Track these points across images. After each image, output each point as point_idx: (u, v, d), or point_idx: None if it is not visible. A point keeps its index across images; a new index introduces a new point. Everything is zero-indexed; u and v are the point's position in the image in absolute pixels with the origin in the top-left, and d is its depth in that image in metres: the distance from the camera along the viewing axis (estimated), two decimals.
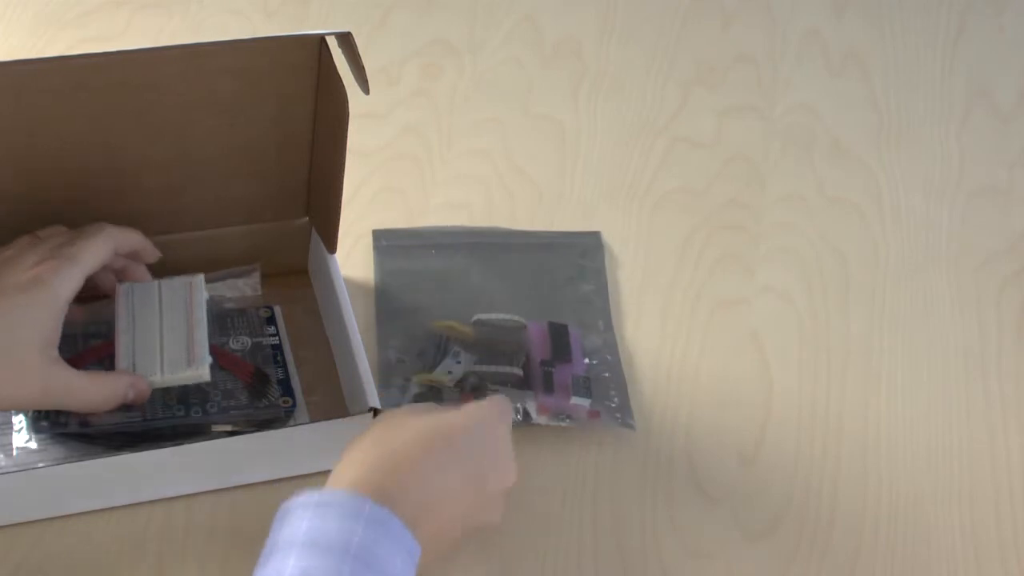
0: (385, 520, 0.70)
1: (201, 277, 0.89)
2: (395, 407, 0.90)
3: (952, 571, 0.87)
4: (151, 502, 0.85)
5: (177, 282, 0.89)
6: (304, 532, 0.69)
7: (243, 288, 0.94)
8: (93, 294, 0.88)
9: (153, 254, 0.89)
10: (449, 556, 0.79)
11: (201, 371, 0.86)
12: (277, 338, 0.93)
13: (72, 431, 0.86)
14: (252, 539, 0.84)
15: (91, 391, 0.82)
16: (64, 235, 0.85)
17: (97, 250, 0.84)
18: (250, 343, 0.92)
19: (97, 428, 0.86)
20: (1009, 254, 1.08)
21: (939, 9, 1.31)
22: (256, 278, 0.95)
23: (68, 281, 0.81)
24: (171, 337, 0.87)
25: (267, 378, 0.89)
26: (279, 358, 0.91)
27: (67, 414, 0.86)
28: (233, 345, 0.91)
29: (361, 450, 0.75)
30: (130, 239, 0.87)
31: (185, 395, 0.88)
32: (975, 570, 0.87)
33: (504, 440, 0.79)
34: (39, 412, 0.86)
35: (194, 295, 0.89)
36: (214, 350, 0.88)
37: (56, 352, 0.81)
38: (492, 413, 0.80)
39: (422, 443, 0.75)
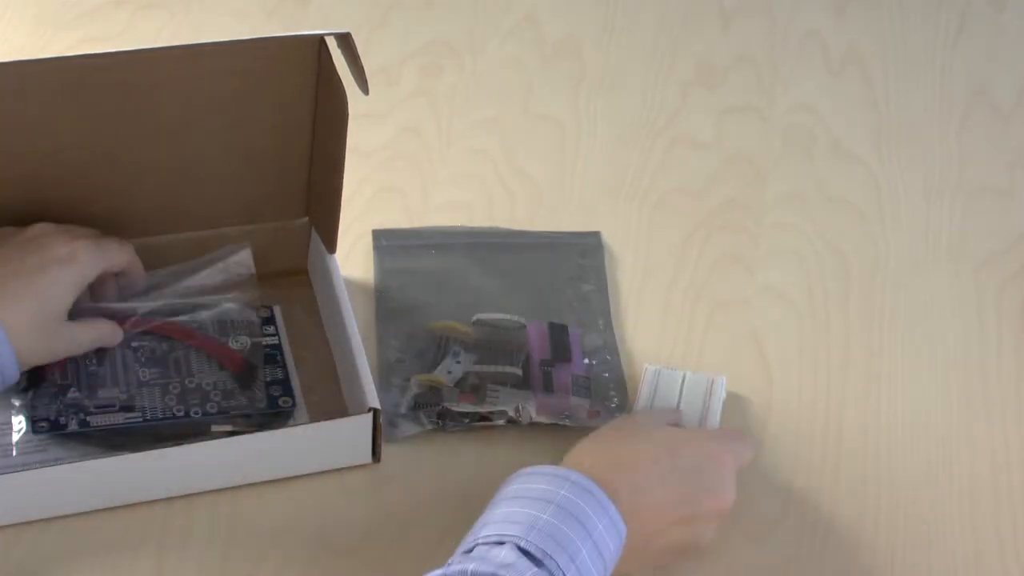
0: (592, 489, 0.76)
1: (723, 378, 0.93)
2: (393, 407, 0.90)
3: (952, 571, 0.86)
4: (151, 502, 0.85)
5: (701, 376, 0.93)
6: (513, 491, 0.76)
7: (236, 269, 0.94)
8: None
9: (140, 273, 0.92)
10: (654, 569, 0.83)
11: None
12: (276, 338, 0.93)
13: (72, 431, 0.86)
14: (252, 539, 0.84)
15: (85, 342, 0.88)
16: (91, 231, 0.89)
17: (120, 248, 0.89)
18: (249, 343, 0.92)
19: (97, 428, 0.86)
20: (1009, 254, 1.08)
21: (939, 9, 1.31)
22: (247, 255, 0.94)
23: (95, 265, 0.87)
24: (687, 427, 0.91)
25: (255, 370, 0.90)
26: (278, 358, 0.91)
27: (67, 415, 0.86)
28: (233, 345, 0.91)
29: (590, 445, 0.82)
30: (135, 261, 0.91)
31: (184, 395, 0.88)
32: (975, 570, 0.87)
33: (727, 468, 0.83)
34: (39, 411, 0.86)
35: (714, 390, 0.93)
36: (205, 340, 0.90)
37: (65, 316, 0.86)
38: (725, 443, 0.85)
39: (648, 452, 0.81)
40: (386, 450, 0.88)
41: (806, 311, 1.02)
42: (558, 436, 0.91)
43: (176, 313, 0.92)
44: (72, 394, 0.87)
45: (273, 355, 0.92)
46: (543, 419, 0.91)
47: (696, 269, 1.04)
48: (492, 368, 0.92)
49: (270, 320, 0.94)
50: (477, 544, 0.74)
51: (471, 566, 0.70)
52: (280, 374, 0.91)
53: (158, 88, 0.85)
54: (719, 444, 0.85)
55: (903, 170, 1.14)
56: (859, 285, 1.04)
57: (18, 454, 0.85)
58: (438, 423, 0.90)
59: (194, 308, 0.92)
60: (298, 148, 0.92)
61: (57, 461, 0.84)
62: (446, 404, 0.90)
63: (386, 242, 1.02)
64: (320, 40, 0.85)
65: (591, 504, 0.75)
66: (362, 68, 0.83)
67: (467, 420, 0.90)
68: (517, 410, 0.90)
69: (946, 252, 1.08)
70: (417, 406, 0.90)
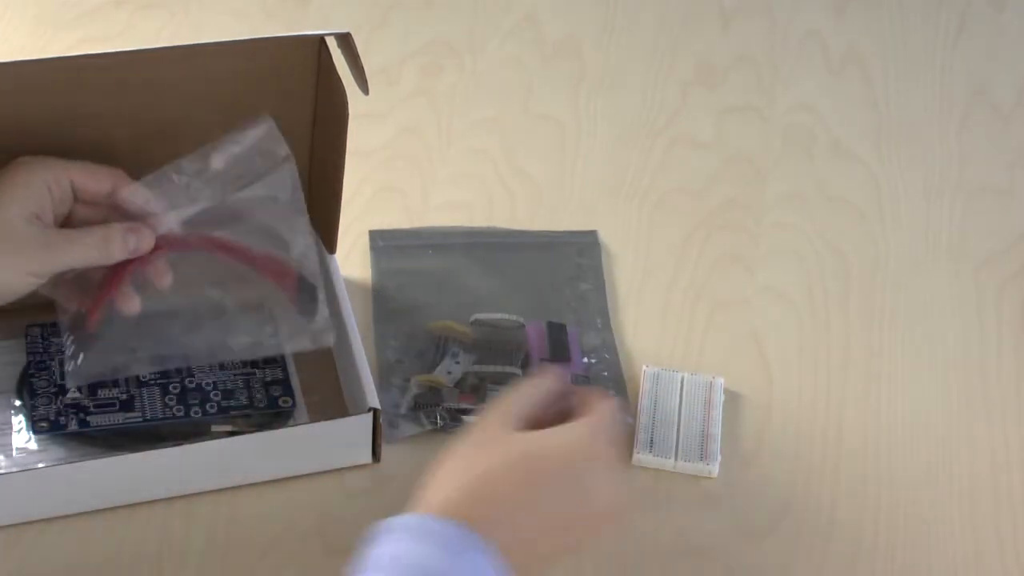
0: (472, 546, 0.66)
1: (721, 380, 0.92)
2: (393, 407, 0.90)
3: (952, 571, 0.87)
4: (151, 502, 0.85)
5: (700, 378, 0.93)
6: (389, 556, 0.66)
7: (267, 147, 0.81)
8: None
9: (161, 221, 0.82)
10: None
11: (712, 467, 0.89)
12: (277, 340, 0.92)
13: (72, 431, 0.86)
14: (252, 539, 0.84)
15: (77, 240, 0.79)
16: None
17: (87, 164, 0.81)
18: (249, 343, 0.92)
19: (97, 428, 0.86)
20: (1009, 254, 1.08)
21: (939, 9, 1.31)
22: (272, 128, 0.82)
23: (42, 167, 0.80)
24: (688, 429, 0.90)
25: (313, 289, 0.83)
26: (279, 358, 0.91)
27: (67, 414, 0.86)
28: (233, 346, 0.91)
29: (451, 472, 0.71)
30: (134, 192, 0.82)
31: (184, 395, 0.88)
32: (975, 570, 0.87)
33: (605, 462, 0.72)
34: (39, 411, 0.86)
35: (713, 395, 0.92)
36: (248, 253, 0.81)
37: (43, 224, 0.79)
38: (588, 431, 0.72)
39: (515, 473, 0.70)
40: (386, 450, 0.88)
41: (806, 311, 1.02)
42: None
43: (219, 223, 0.81)
44: (72, 394, 0.87)
45: (272, 356, 0.92)
46: None
47: (696, 269, 1.04)
48: (491, 368, 0.92)
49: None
50: None
51: None
52: (280, 374, 0.90)
53: (158, 88, 0.85)
54: (582, 436, 0.72)
55: (903, 170, 1.14)
56: (859, 285, 1.04)
57: (18, 454, 0.85)
58: (438, 423, 0.90)
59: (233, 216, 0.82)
60: (298, 148, 0.92)
61: (57, 461, 0.85)
62: (446, 404, 0.90)
63: (383, 243, 1.02)
64: (320, 40, 0.85)
65: (470, 571, 0.65)
66: (362, 68, 0.83)
67: (467, 420, 0.90)
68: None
69: (946, 252, 1.08)
70: (417, 406, 0.90)
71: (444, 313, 0.96)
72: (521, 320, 0.96)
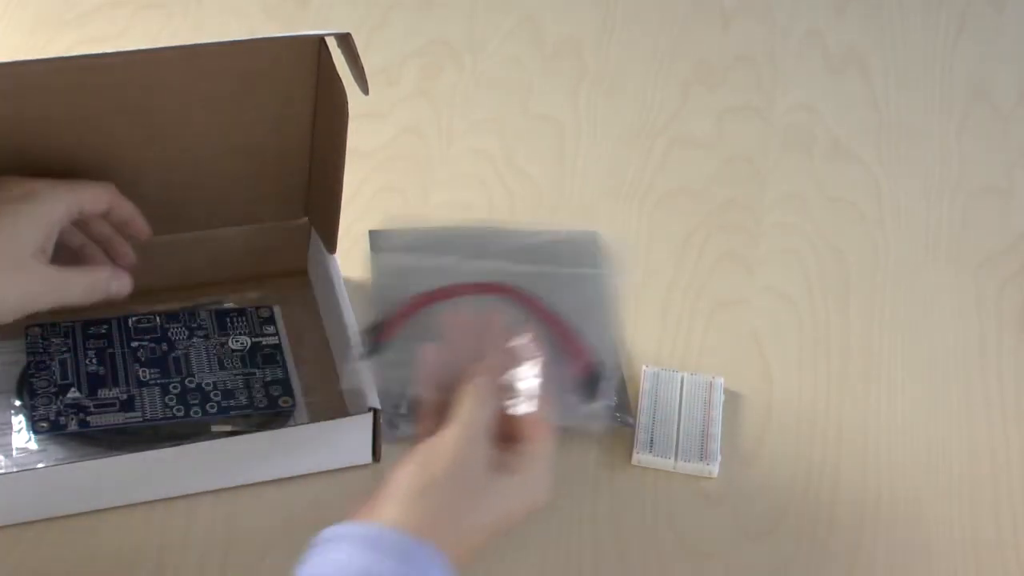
0: (421, 554, 0.67)
1: (721, 380, 0.93)
2: (393, 407, 0.90)
3: (952, 571, 0.87)
4: (151, 502, 0.85)
5: (700, 378, 0.94)
6: (332, 563, 0.66)
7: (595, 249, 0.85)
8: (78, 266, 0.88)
9: (144, 230, 0.89)
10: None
11: (711, 467, 0.89)
12: (276, 338, 0.93)
13: (72, 431, 0.86)
14: (252, 539, 0.84)
15: (77, 287, 0.84)
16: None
17: (92, 189, 0.85)
18: (249, 343, 0.92)
19: (97, 428, 0.86)
20: (1009, 254, 1.08)
21: (939, 9, 1.31)
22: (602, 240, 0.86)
23: (60, 198, 0.83)
24: (688, 429, 0.90)
25: (599, 381, 0.86)
26: (278, 358, 0.91)
27: (67, 414, 0.86)
28: (232, 345, 0.91)
29: (403, 478, 0.71)
30: (123, 206, 0.87)
31: (184, 395, 0.88)
32: (975, 570, 0.87)
33: (540, 477, 0.75)
34: (39, 412, 0.86)
35: (713, 395, 0.92)
36: (557, 322, 0.84)
37: (46, 259, 0.83)
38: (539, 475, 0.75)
39: (459, 476, 0.72)
40: (386, 450, 0.88)
41: (806, 311, 1.02)
42: (557, 435, 0.91)
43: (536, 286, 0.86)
44: (72, 394, 0.87)
45: (273, 355, 0.92)
46: None
47: (696, 269, 1.04)
48: None
49: (270, 320, 0.94)
50: None
51: None
52: (280, 374, 0.91)
53: (158, 88, 0.85)
54: (534, 479, 0.75)
55: (903, 170, 1.14)
56: (859, 285, 1.04)
57: (18, 454, 0.85)
58: None
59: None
60: (298, 148, 0.92)
61: (57, 461, 0.85)
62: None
63: (383, 243, 1.02)
64: (320, 40, 0.85)
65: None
66: (362, 68, 0.83)
67: None
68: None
69: (946, 252, 1.08)
70: (415, 407, 0.90)
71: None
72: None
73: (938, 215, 1.11)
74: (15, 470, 0.84)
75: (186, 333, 0.92)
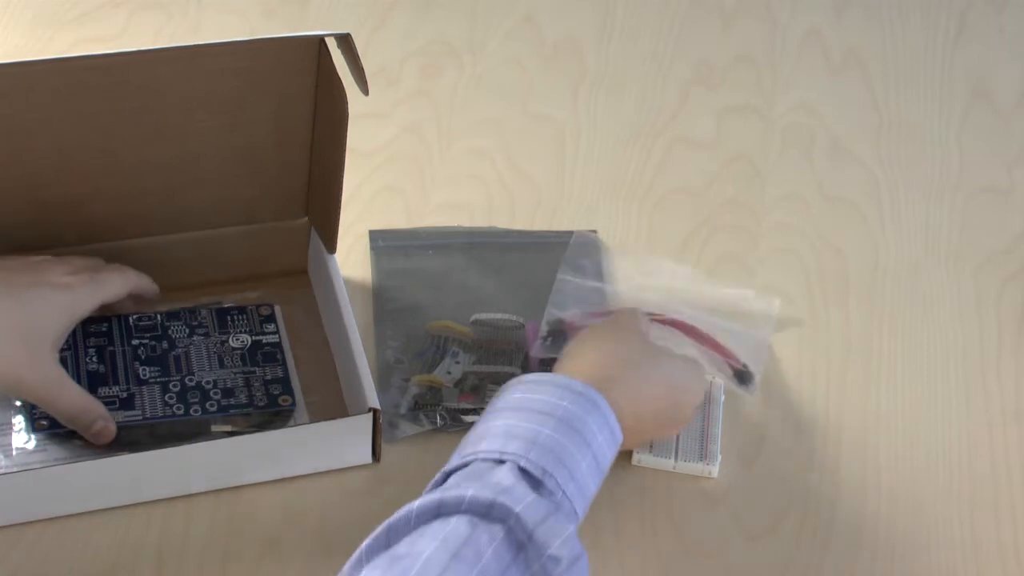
0: (595, 399, 0.78)
1: (721, 383, 0.93)
2: (393, 407, 0.90)
3: (952, 571, 0.86)
4: (151, 502, 0.85)
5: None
6: (516, 400, 0.77)
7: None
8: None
9: (152, 291, 0.93)
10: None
11: (711, 468, 0.89)
12: (277, 336, 0.93)
13: (71, 429, 0.86)
14: (252, 539, 0.84)
15: (79, 402, 0.85)
16: (93, 262, 0.90)
17: (120, 284, 0.90)
18: (250, 341, 0.92)
19: None
20: (1009, 254, 1.08)
21: (939, 9, 1.31)
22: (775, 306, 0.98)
23: (91, 297, 0.87)
24: (688, 429, 0.90)
25: (752, 376, 0.93)
26: (279, 356, 0.91)
27: None
28: (233, 343, 0.91)
29: (582, 351, 0.85)
30: (143, 283, 0.92)
31: (184, 393, 0.88)
32: (975, 570, 0.87)
33: (694, 370, 0.88)
34: (38, 410, 0.86)
35: (713, 395, 0.93)
36: (709, 339, 0.93)
37: (58, 355, 0.86)
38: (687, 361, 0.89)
39: (633, 359, 0.84)
40: (386, 450, 0.88)
41: (806, 311, 1.02)
42: None
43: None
44: None
45: (273, 353, 0.92)
46: None
47: (696, 269, 1.04)
48: (491, 368, 0.92)
49: (270, 318, 0.94)
50: (476, 459, 0.74)
51: (470, 492, 0.70)
52: (280, 372, 0.91)
53: (158, 88, 0.85)
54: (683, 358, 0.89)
55: (903, 170, 1.14)
56: (859, 285, 1.04)
57: (18, 454, 0.85)
58: (438, 423, 0.90)
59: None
60: (298, 148, 0.92)
61: (57, 461, 0.85)
62: (446, 404, 0.90)
63: (383, 243, 1.02)
64: (320, 40, 0.85)
65: (594, 416, 0.78)
66: (362, 69, 0.83)
67: (467, 420, 0.90)
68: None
69: (946, 252, 1.08)
70: (417, 406, 0.90)
71: (444, 313, 0.96)
72: (521, 320, 0.96)
73: (938, 215, 1.11)
74: (15, 470, 0.84)
75: (187, 331, 0.92)
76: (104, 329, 0.91)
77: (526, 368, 0.93)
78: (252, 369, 0.90)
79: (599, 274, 1.00)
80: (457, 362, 0.93)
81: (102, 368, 0.89)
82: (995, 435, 0.95)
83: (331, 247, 0.95)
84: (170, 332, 0.92)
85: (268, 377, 0.90)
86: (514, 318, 0.96)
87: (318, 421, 0.87)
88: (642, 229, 1.07)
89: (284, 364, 0.91)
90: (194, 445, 0.85)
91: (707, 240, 1.06)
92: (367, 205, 1.05)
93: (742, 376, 0.94)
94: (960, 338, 1.01)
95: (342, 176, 0.90)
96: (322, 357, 0.93)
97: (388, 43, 1.21)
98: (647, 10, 1.28)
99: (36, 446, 0.86)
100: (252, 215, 0.95)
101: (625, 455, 0.90)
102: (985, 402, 0.97)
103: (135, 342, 0.91)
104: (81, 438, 0.86)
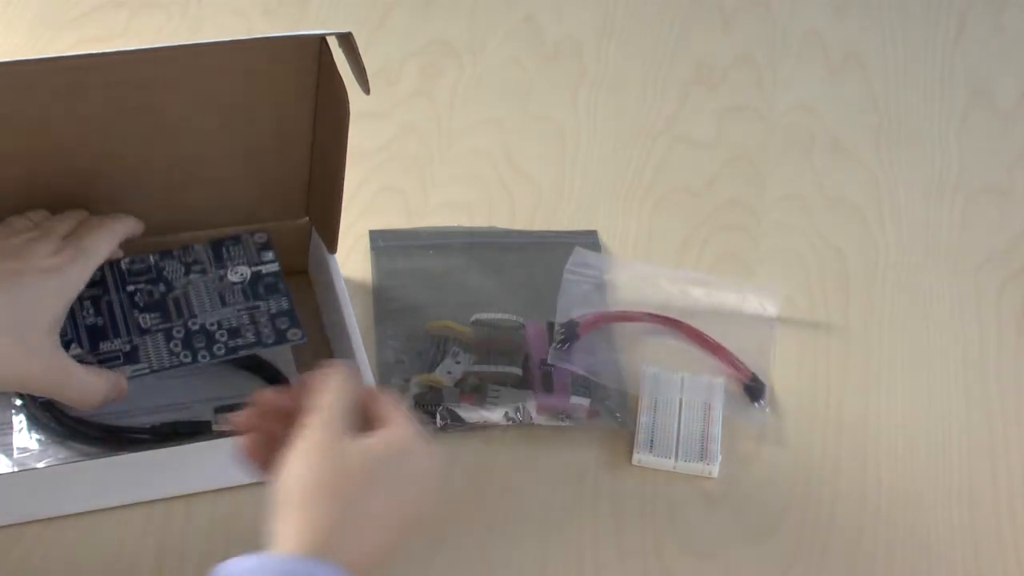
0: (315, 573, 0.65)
1: (721, 380, 0.93)
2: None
3: (952, 571, 0.87)
4: (151, 502, 0.85)
5: (700, 378, 0.94)
6: None
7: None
8: None
9: (138, 230, 0.89)
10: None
11: (711, 468, 0.89)
12: (276, 265, 0.91)
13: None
14: (252, 539, 0.84)
15: (86, 381, 0.82)
16: (76, 225, 0.86)
17: (108, 243, 0.85)
18: (249, 273, 0.90)
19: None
20: (1009, 254, 1.08)
21: (939, 9, 1.31)
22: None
23: (81, 272, 0.83)
24: (688, 429, 0.90)
25: (763, 388, 0.93)
26: (280, 286, 0.90)
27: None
28: (232, 277, 0.89)
29: (294, 496, 0.69)
30: (128, 228, 0.88)
31: (189, 339, 0.87)
32: (975, 570, 0.87)
33: (421, 453, 0.72)
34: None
35: (713, 395, 0.92)
36: (715, 345, 0.94)
37: (57, 339, 0.82)
38: (408, 432, 0.72)
39: (338, 471, 0.69)
40: None
41: (806, 311, 1.02)
42: (558, 436, 0.91)
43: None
44: (73, 350, 0.85)
45: (274, 284, 0.90)
46: (543, 419, 0.91)
47: (696, 269, 1.04)
48: (492, 368, 0.92)
49: (267, 246, 0.92)
50: None
51: None
52: (285, 304, 0.88)
53: (158, 88, 0.85)
54: (404, 435, 0.72)
55: (903, 170, 1.14)
56: (859, 285, 1.04)
57: (19, 454, 0.85)
58: (438, 423, 0.90)
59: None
60: (298, 148, 0.92)
61: (57, 461, 0.84)
62: (446, 404, 0.90)
63: (383, 243, 1.02)
64: (321, 40, 0.85)
65: None
66: (363, 68, 0.83)
67: (468, 420, 0.90)
68: (517, 410, 0.90)
69: (946, 252, 1.08)
70: (417, 406, 0.90)
71: (444, 313, 0.96)
72: (521, 320, 0.96)
73: (938, 215, 1.11)
74: (15, 470, 0.84)
75: (182, 270, 0.90)
76: (97, 278, 0.88)
77: (526, 368, 0.93)
78: (256, 304, 0.88)
79: (601, 275, 1.00)
80: (457, 362, 0.93)
81: (100, 320, 0.87)
82: (995, 435, 0.95)
83: (332, 247, 0.95)
84: (165, 273, 0.90)
85: (273, 311, 0.88)
86: (514, 318, 0.96)
87: None
88: (642, 229, 1.07)
89: (288, 295, 0.88)
90: (194, 445, 0.84)
91: (707, 240, 1.06)
92: (367, 205, 1.06)
93: (752, 392, 0.94)
94: (960, 338, 1.01)
95: (343, 176, 0.90)
96: (322, 357, 0.93)
97: (388, 43, 1.21)
98: (647, 10, 1.28)
99: (37, 446, 0.85)
100: (252, 215, 0.95)
101: (625, 455, 0.90)
102: (985, 402, 0.97)
103: (131, 288, 0.88)
104: (81, 438, 0.86)
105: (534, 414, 0.91)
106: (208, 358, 0.86)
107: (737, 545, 0.86)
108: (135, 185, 0.90)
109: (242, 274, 0.90)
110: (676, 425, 0.91)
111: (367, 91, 0.84)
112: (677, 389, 0.93)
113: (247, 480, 0.86)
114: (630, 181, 1.11)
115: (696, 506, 0.88)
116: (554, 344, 0.93)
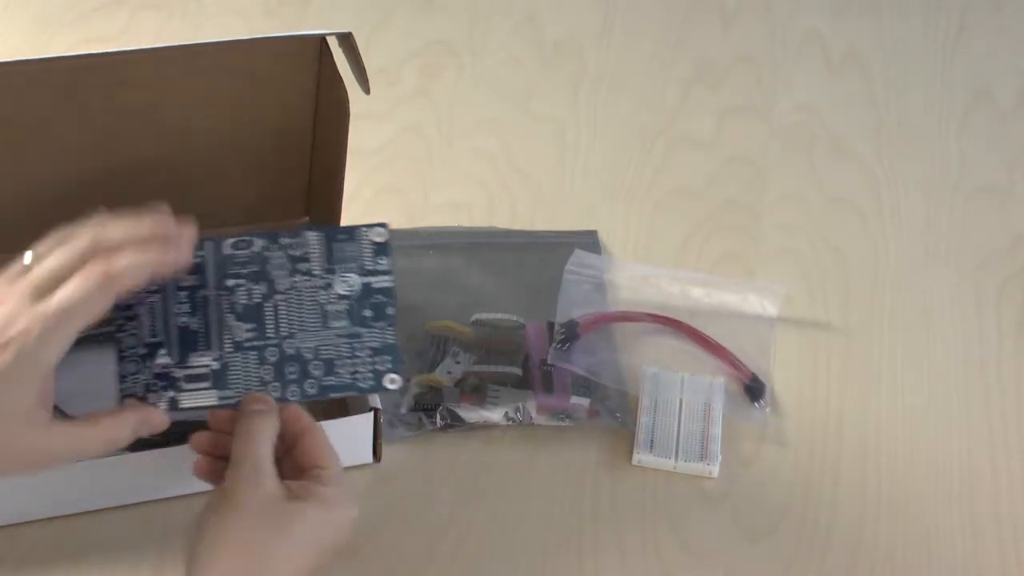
0: None
1: (721, 380, 0.93)
2: (393, 407, 0.90)
3: (952, 571, 0.87)
4: (151, 502, 0.85)
5: (700, 378, 0.93)
6: None
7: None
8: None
9: (184, 263, 0.75)
10: None
11: (711, 468, 0.89)
12: (389, 276, 0.80)
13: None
14: None
15: (92, 436, 0.72)
16: (76, 253, 0.70)
17: (95, 300, 0.68)
18: (359, 285, 0.80)
19: (188, 409, 0.79)
20: (1009, 254, 1.08)
21: (939, 9, 1.31)
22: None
23: (50, 345, 0.67)
24: (688, 429, 0.90)
25: (763, 388, 0.93)
26: (388, 311, 0.79)
27: (156, 390, 0.79)
28: (339, 288, 0.80)
29: (202, 535, 0.71)
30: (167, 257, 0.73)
31: (281, 366, 0.79)
32: (975, 570, 0.87)
33: (342, 510, 0.74)
34: (127, 383, 0.78)
35: (713, 395, 0.92)
36: (715, 345, 0.94)
37: (47, 415, 0.70)
38: (338, 493, 0.74)
39: (255, 516, 0.70)
40: (386, 450, 0.88)
41: (806, 311, 1.02)
42: (558, 436, 0.91)
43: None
44: (162, 358, 0.78)
45: (383, 307, 0.79)
46: (543, 419, 0.91)
47: (696, 269, 1.04)
48: (492, 368, 0.92)
49: (383, 248, 0.80)
50: None
51: None
52: (389, 336, 0.78)
53: (158, 88, 0.85)
54: (329, 500, 0.74)
55: (903, 170, 1.14)
56: (859, 285, 1.04)
57: None
58: (438, 423, 0.90)
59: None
60: (298, 148, 0.92)
61: None
62: (446, 404, 0.90)
63: None
64: (321, 40, 0.85)
65: None
66: (363, 68, 0.83)
67: (468, 420, 0.90)
68: (517, 410, 0.90)
69: (946, 252, 1.08)
70: (417, 406, 0.90)
71: (444, 313, 0.96)
72: (521, 320, 0.96)
73: (938, 215, 1.11)
74: None
75: (288, 265, 0.80)
76: (198, 258, 0.79)
77: (526, 368, 0.93)
78: (358, 332, 0.79)
79: (601, 275, 1.00)
80: (457, 362, 0.93)
81: (194, 322, 0.78)
82: (995, 435, 0.95)
83: None
84: (269, 266, 0.80)
85: (376, 344, 0.80)
86: (514, 318, 0.96)
87: (318, 421, 0.87)
88: (642, 229, 1.07)
89: (394, 324, 0.78)
90: None
91: (707, 240, 1.06)
92: (367, 205, 1.06)
93: (752, 392, 0.94)
94: (960, 338, 1.01)
95: (342, 176, 0.90)
96: None
97: (388, 43, 1.21)
98: (647, 10, 1.28)
99: None
100: (252, 215, 0.95)
101: (625, 455, 0.90)
102: (985, 402, 0.97)
103: (230, 282, 0.79)
104: None
105: (534, 414, 0.91)
106: (298, 396, 0.78)
107: (737, 545, 0.86)
108: (134, 185, 0.90)
109: (351, 285, 0.80)
110: (676, 425, 0.91)
111: (367, 91, 0.84)
112: (677, 389, 0.93)
113: None
114: (630, 181, 1.11)
115: (696, 506, 0.88)
116: (554, 344, 0.93)
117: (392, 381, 0.79)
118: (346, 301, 0.80)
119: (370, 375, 0.79)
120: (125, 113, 0.85)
